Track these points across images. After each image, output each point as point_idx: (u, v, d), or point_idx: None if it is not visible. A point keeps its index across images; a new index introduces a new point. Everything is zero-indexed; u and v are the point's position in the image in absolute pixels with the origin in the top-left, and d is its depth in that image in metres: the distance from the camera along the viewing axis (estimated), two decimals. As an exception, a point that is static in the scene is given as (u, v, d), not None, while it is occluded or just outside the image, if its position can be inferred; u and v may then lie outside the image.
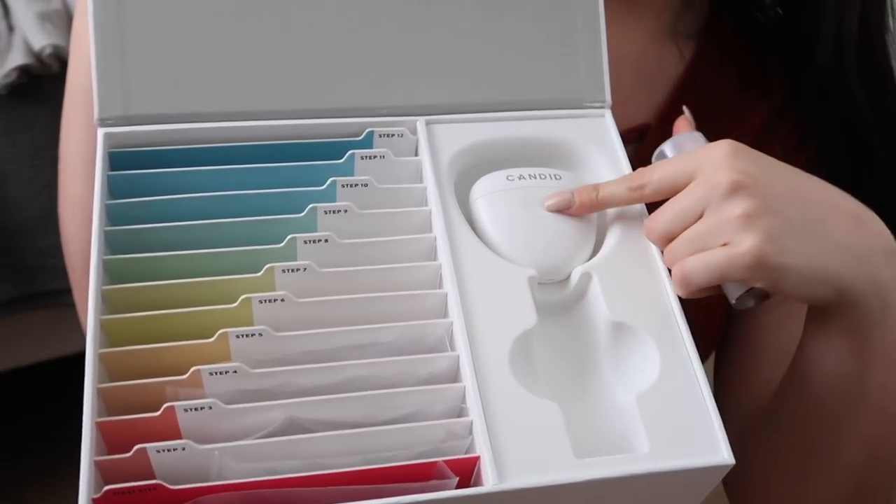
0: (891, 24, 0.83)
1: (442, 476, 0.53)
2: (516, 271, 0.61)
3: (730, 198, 0.59)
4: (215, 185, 0.62)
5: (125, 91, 0.63)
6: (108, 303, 0.57)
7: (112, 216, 0.61)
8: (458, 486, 0.53)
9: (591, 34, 0.69)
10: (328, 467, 0.52)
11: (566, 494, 0.54)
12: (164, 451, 0.51)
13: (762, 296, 0.62)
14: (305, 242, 0.60)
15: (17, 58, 1.45)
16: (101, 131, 0.63)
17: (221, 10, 0.64)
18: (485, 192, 0.65)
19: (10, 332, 1.60)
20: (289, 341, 0.57)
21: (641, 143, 0.82)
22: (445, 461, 0.53)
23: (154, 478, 0.51)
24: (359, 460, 0.53)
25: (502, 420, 0.55)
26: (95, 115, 0.63)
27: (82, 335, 0.57)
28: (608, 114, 0.70)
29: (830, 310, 0.64)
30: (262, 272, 0.58)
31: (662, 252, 0.63)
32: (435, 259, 0.62)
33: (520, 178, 0.65)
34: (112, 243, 0.59)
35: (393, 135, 0.66)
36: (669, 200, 0.62)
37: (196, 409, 0.53)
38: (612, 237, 0.65)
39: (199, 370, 0.54)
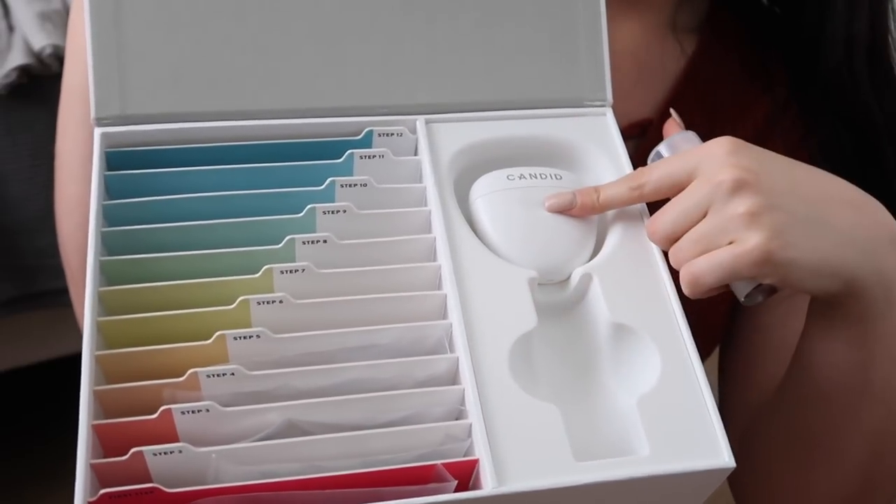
0: (892, 25, 0.83)
1: (441, 479, 0.53)
2: (516, 272, 0.61)
3: (733, 196, 0.59)
4: (213, 186, 0.61)
5: (122, 90, 0.62)
6: (105, 304, 0.57)
7: (109, 216, 0.60)
8: (457, 490, 0.53)
9: (592, 32, 0.69)
10: (326, 470, 0.52)
11: (566, 498, 0.54)
12: (160, 453, 0.51)
13: (770, 291, 0.62)
14: (304, 243, 0.59)
15: (17, 58, 1.45)
16: (97, 131, 0.62)
17: (219, 9, 0.64)
18: (485, 191, 0.64)
19: (10, 332, 1.60)
20: (287, 343, 0.56)
21: (643, 139, 0.82)
22: (444, 464, 0.53)
23: (151, 481, 0.51)
24: (357, 463, 0.53)
25: (502, 423, 0.55)
26: (92, 115, 0.62)
27: (81, 335, 0.56)
28: (609, 112, 0.69)
29: (835, 301, 0.64)
30: (260, 273, 0.58)
31: (666, 254, 0.62)
32: (434, 260, 0.61)
33: (520, 178, 0.64)
34: (109, 244, 0.59)
35: (392, 134, 0.65)
36: (671, 201, 0.62)
37: (193, 412, 0.52)
38: (613, 238, 0.64)
39: (196, 372, 0.54)
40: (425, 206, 0.63)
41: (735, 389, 0.85)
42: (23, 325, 1.57)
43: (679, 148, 0.66)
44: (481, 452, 0.53)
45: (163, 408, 0.52)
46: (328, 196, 0.62)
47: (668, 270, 0.62)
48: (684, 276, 0.60)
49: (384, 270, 0.60)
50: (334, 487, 0.51)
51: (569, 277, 0.63)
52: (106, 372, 0.55)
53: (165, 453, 0.51)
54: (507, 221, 0.63)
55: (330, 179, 0.62)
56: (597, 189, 0.64)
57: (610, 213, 0.66)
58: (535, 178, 0.65)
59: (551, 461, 0.54)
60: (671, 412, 0.57)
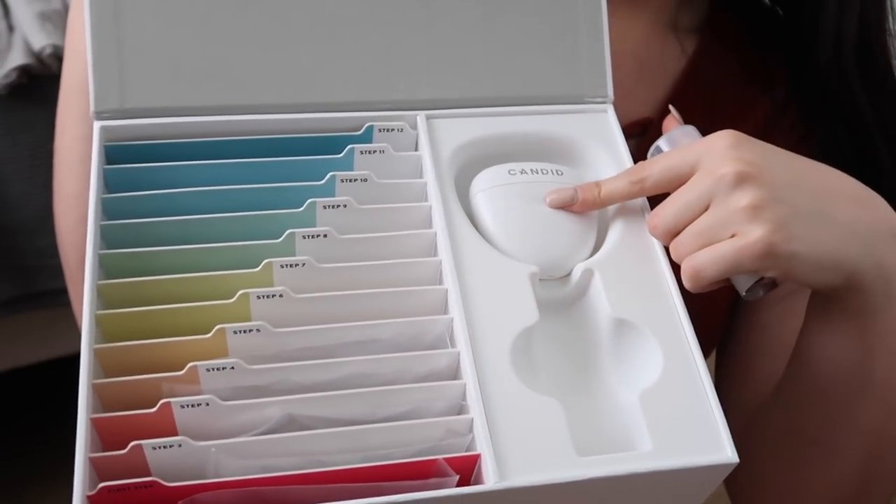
0: (891, 25, 0.83)
1: (442, 474, 0.52)
2: (517, 267, 0.61)
3: (735, 189, 0.58)
4: (213, 180, 0.61)
5: (121, 84, 0.62)
6: (104, 298, 0.57)
7: (108, 210, 0.60)
8: (459, 485, 0.53)
9: (593, 29, 0.69)
10: (327, 464, 0.52)
11: (568, 493, 0.54)
12: (160, 447, 0.51)
13: (771, 285, 0.62)
14: (304, 237, 0.59)
15: (17, 58, 1.45)
16: (97, 125, 0.62)
17: (219, 3, 0.63)
18: (485, 186, 0.64)
19: (10, 332, 1.60)
20: (287, 337, 0.56)
21: (643, 138, 0.82)
22: (446, 459, 0.52)
23: (150, 475, 0.51)
24: (358, 458, 0.53)
25: (503, 417, 0.54)
26: (91, 109, 0.62)
27: (80, 332, 0.56)
28: (610, 109, 0.69)
29: (835, 295, 0.63)
30: (260, 267, 0.57)
31: (667, 248, 0.62)
32: (435, 255, 0.61)
33: (521, 173, 0.64)
34: (108, 238, 0.59)
35: (393, 129, 0.65)
36: (672, 194, 0.61)
37: (193, 406, 0.52)
38: (614, 233, 0.64)
39: (195, 366, 0.53)
40: (426, 201, 0.63)
41: (732, 388, 0.85)
42: (23, 325, 1.57)
43: (679, 142, 0.66)
44: (483, 447, 0.53)
45: (162, 401, 0.52)
46: (328, 191, 0.62)
47: (669, 265, 0.62)
48: (686, 270, 0.60)
49: (384, 265, 0.60)
50: (335, 482, 0.51)
51: (570, 273, 0.63)
52: (105, 366, 0.54)
53: (165, 447, 0.51)
54: (508, 217, 0.63)
55: (330, 174, 0.62)
56: (598, 184, 0.64)
57: (611, 208, 0.66)
58: (536, 173, 0.64)
59: (553, 456, 0.54)
60: (673, 407, 0.57)
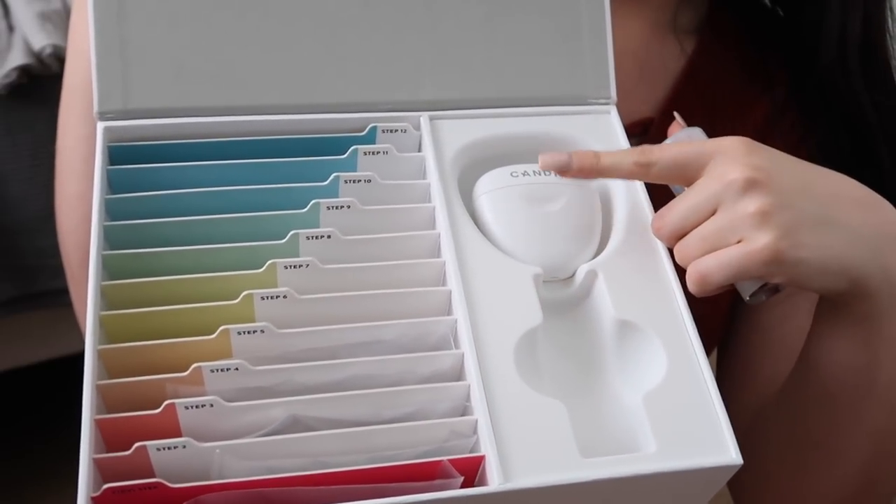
0: (890, 25, 0.83)
1: (446, 475, 0.52)
2: (521, 269, 0.61)
3: (744, 194, 0.58)
4: (216, 181, 0.61)
5: (125, 85, 0.62)
6: (108, 299, 0.56)
7: (111, 211, 0.60)
8: (463, 486, 0.53)
9: (596, 30, 0.69)
10: (331, 466, 0.52)
11: (572, 494, 0.54)
12: (164, 448, 0.50)
13: (775, 290, 0.62)
14: (308, 238, 0.59)
15: (17, 58, 1.45)
16: (100, 125, 0.62)
17: (222, 4, 0.63)
18: (489, 188, 0.64)
19: (10, 332, 1.60)
20: (291, 338, 0.56)
21: (644, 137, 0.82)
22: (450, 460, 0.52)
23: (154, 476, 0.50)
24: (362, 459, 0.53)
25: (507, 419, 0.54)
26: (95, 109, 0.62)
27: (82, 335, 0.56)
28: (613, 110, 0.69)
29: (841, 300, 0.63)
30: (263, 268, 0.57)
31: (671, 250, 0.62)
32: (439, 256, 0.61)
33: (524, 175, 0.64)
34: (111, 238, 0.59)
35: (396, 130, 0.65)
36: (679, 197, 0.61)
37: (197, 407, 0.52)
38: (618, 234, 0.64)
39: (199, 367, 0.53)
40: (429, 202, 0.63)
41: (733, 389, 0.85)
42: (23, 325, 1.57)
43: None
44: (487, 449, 0.53)
45: (166, 402, 0.52)
46: (332, 192, 0.62)
47: (673, 267, 0.62)
48: (692, 275, 0.60)
49: (388, 266, 0.60)
50: (339, 483, 0.51)
51: (573, 274, 0.63)
52: (108, 367, 0.54)
53: (169, 448, 0.50)
54: (512, 218, 0.63)
55: (334, 175, 0.62)
56: (597, 154, 0.63)
57: (616, 209, 0.65)
58: (539, 174, 0.64)
59: (557, 457, 0.54)
60: (677, 409, 0.57)
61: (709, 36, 0.86)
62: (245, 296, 0.56)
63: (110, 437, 0.52)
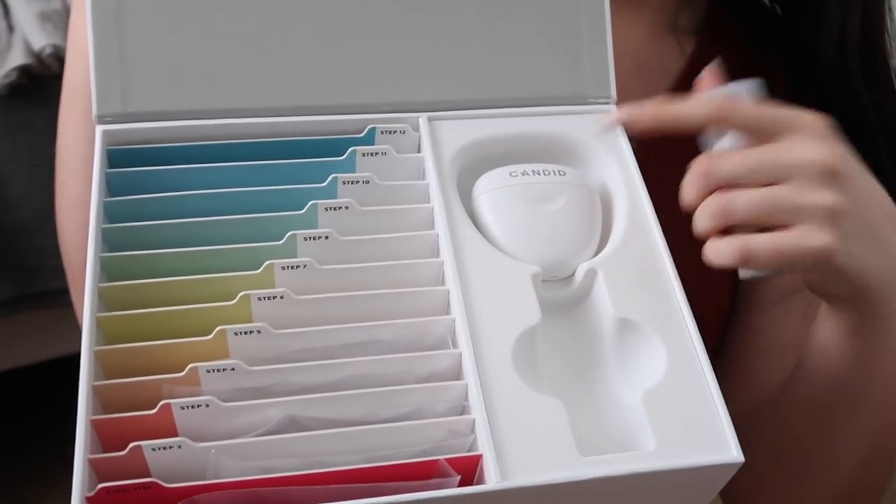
0: (889, 25, 0.83)
1: (444, 475, 0.52)
2: (520, 268, 0.61)
3: (822, 182, 0.55)
4: (215, 183, 0.61)
5: (124, 88, 0.62)
6: (105, 300, 0.56)
7: (110, 213, 0.60)
8: (461, 485, 0.53)
9: (596, 29, 0.69)
10: (327, 466, 0.52)
11: (570, 493, 0.54)
12: (159, 448, 0.50)
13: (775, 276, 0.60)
14: (305, 239, 0.59)
15: (17, 58, 1.46)
16: (99, 128, 0.62)
17: (221, 6, 0.63)
18: (487, 188, 0.64)
19: (10, 332, 1.60)
20: (288, 339, 0.56)
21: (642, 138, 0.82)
22: (447, 459, 0.52)
23: (150, 476, 0.50)
24: (359, 458, 0.53)
25: (505, 418, 0.54)
26: (94, 113, 0.62)
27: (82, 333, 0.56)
28: (614, 109, 0.69)
29: (847, 307, 0.63)
30: (261, 269, 0.57)
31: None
32: (437, 256, 0.61)
33: (523, 175, 0.64)
34: (110, 241, 0.59)
35: (395, 131, 0.65)
36: (750, 149, 0.58)
37: (193, 407, 0.52)
38: (618, 233, 0.64)
39: (196, 367, 0.53)
40: (428, 202, 0.63)
41: (724, 391, 0.85)
42: (23, 325, 1.57)
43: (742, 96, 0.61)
44: (484, 448, 0.53)
45: (162, 402, 0.52)
46: (330, 193, 0.62)
47: (673, 265, 0.62)
48: (739, 249, 0.56)
49: (386, 266, 0.60)
50: (335, 483, 0.51)
51: (573, 273, 0.63)
52: (105, 368, 0.54)
53: (164, 448, 0.50)
54: (511, 218, 0.63)
55: (332, 176, 0.62)
56: (669, 104, 0.59)
57: (615, 207, 0.65)
58: (539, 174, 0.64)
59: (555, 456, 0.53)
60: (677, 407, 0.56)
61: (708, 37, 0.86)
62: (242, 296, 0.56)
63: (107, 438, 0.52)
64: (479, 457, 0.53)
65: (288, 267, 0.58)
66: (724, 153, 0.58)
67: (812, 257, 0.56)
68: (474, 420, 0.54)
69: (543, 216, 0.63)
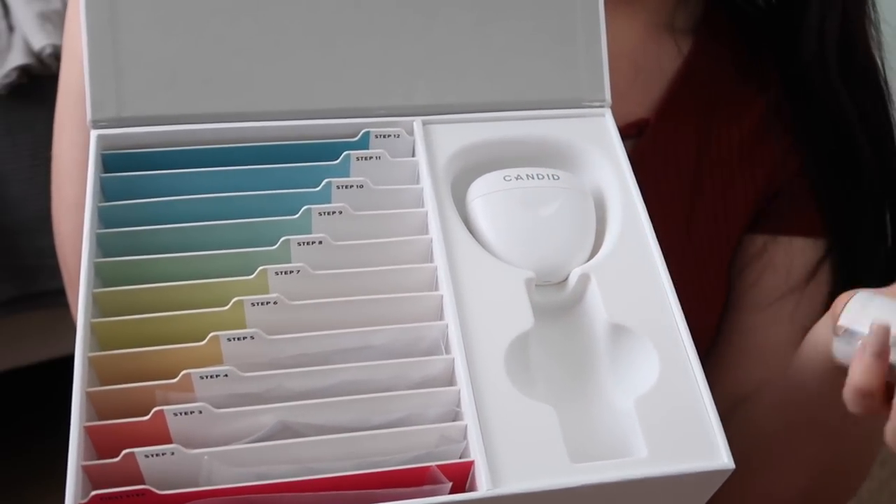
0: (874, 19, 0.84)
1: (435, 481, 0.52)
2: (513, 273, 0.61)
3: None
4: (209, 187, 0.61)
5: (118, 92, 0.62)
6: (99, 306, 0.57)
7: (105, 218, 0.60)
8: (452, 492, 0.53)
9: (590, 33, 0.69)
10: (320, 472, 0.52)
11: (561, 500, 0.54)
12: (152, 455, 0.50)
13: None
14: (299, 244, 0.59)
15: (17, 58, 1.46)
16: (93, 133, 0.62)
17: (215, 10, 0.63)
18: (481, 192, 0.64)
19: (10, 332, 1.60)
20: (281, 344, 0.56)
21: (639, 139, 0.82)
22: (439, 466, 0.52)
23: (143, 483, 0.51)
24: (351, 465, 0.53)
25: (497, 424, 0.54)
26: (88, 117, 0.62)
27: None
28: (608, 113, 0.69)
29: None
30: (254, 274, 0.57)
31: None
32: (431, 261, 0.61)
33: (517, 179, 0.64)
34: (104, 246, 0.59)
35: (389, 135, 0.65)
36: None
37: (186, 413, 0.52)
38: (611, 238, 0.64)
39: (189, 374, 0.53)
40: (422, 207, 0.63)
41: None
42: (23, 325, 1.58)
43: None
44: (476, 454, 0.53)
45: (155, 409, 0.52)
46: (324, 197, 0.62)
47: (666, 270, 0.62)
48: None
49: (380, 271, 0.60)
50: (328, 489, 0.51)
51: (567, 278, 0.63)
52: (99, 374, 0.54)
53: (157, 455, 0.50)
54: (505, 222, 0.63)
55: (326, 180, 0.62)
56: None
57: (609, 212, 0.65)
58: (533, 178, 0.64)
59: (547, 463, 0.53)
60: (669, 413, 0.56)
61: (705, 36, 0.86)
62: (235, 302, 0.56)
63: (100, 444, 0.52)
64: (471, 463, 0.53)
65: (281, 272, 0.58)
66: None
67: None
68: (466, 426, 0.54)
69: (537, 220, 0.63)
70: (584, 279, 0.62)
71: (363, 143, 0.65)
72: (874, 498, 1.94)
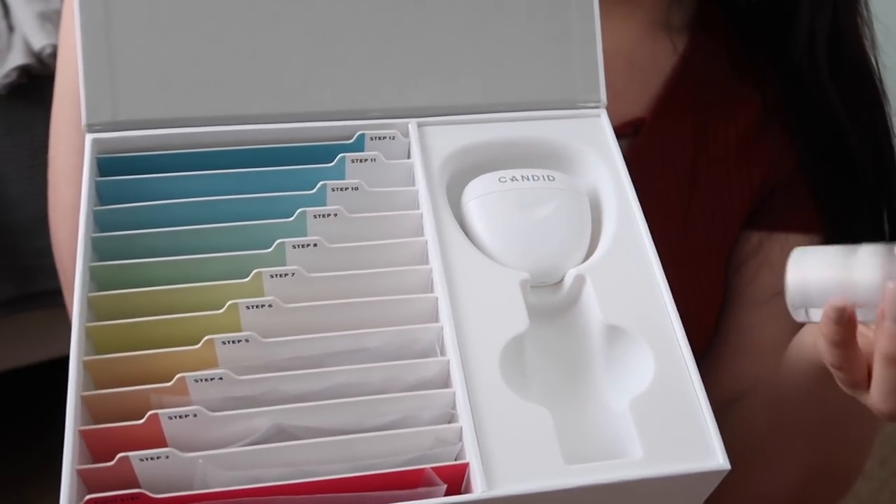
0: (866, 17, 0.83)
1: (430, 483, 0.52)
2: (508, 274, 0.61)
3: None
4: (204, 191, 0.61)
5: (113, 96, 0.62)
6: (94, 309, 0.57)
7: (100, 222, 0.60)
8: (447, 494, 0.53)
9: (585, 33, 0.69)
10: (315, 475, 0.52)
11: (556, 501, 0.54)
12: (147, 459, 0.51)
13: None
14: (294, 247, 0.59)
15: (17, 58, 1.46)
16: (88, 137, 0.62)
17: (210, 13, 0.63)
18: (477, 194, 0.64)
19: (10, 332, 1.60)
20: (276, 347, 0.56)
21: (635, 138, 0.82)
22: (434, 468, 0.52)
23: (138, 486, 0.51)
24: (346, 468, 0.53)
25: (492, 426, 0.54)
26: (83, 121, 0.62)
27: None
28: (604, 113, 0.69)
29: None
30: (249, 277, 0.57)
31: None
32: (426, 263, 0.61)
33: (512, 180, 0.64)
34: (100, 249, 0.59)
35: (384, 137, 0.65)
36: None
37: (181, 417, 0.52)
38: (607, 239, 0.64)
39: (183, 377, 0.53)
40: (417, 209, 0.63)
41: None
42: (22, 325, 1.58)
43: None
44: (471, 456, 0.53)
45: (149, 413, 0.52)
46: (319, 200, 0.62)
47: (662, 271, 0.62)
48: None
49: (375, 274, 0.60)
50: (323, 492, 0.51)
51: (562, 279, 0.63)
52: (94, 377, 0.55)
53: (152, 458, 0.51)
54: (500, 223, 0.63)
55: (321, 183, 0.62)
56: None
57: (605, 213, 0.66)
58: (528, 179, 0.64)
59: (542, 464, 0.54)
60: (664, 414, 0.56)
61: (699, 33, 0.86)
62: (230, 305, 0.56)
63: (95, 448, 0.52)
64: (466, 465, 0.53)
65: (276, 275, 0.58)
66: None
67: None
68: (461, 428, 0.54)
69: (532, 222, 0.63)
70: (580, 280, 0.62)
71: (358, 146, 0.65)
72: (874, 498, 1.94)
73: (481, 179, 0.65)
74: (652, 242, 0.63)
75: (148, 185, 0.61)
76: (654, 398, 0.57)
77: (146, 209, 0.60)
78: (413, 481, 0.52)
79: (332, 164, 0.63)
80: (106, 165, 0.62)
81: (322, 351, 0.57)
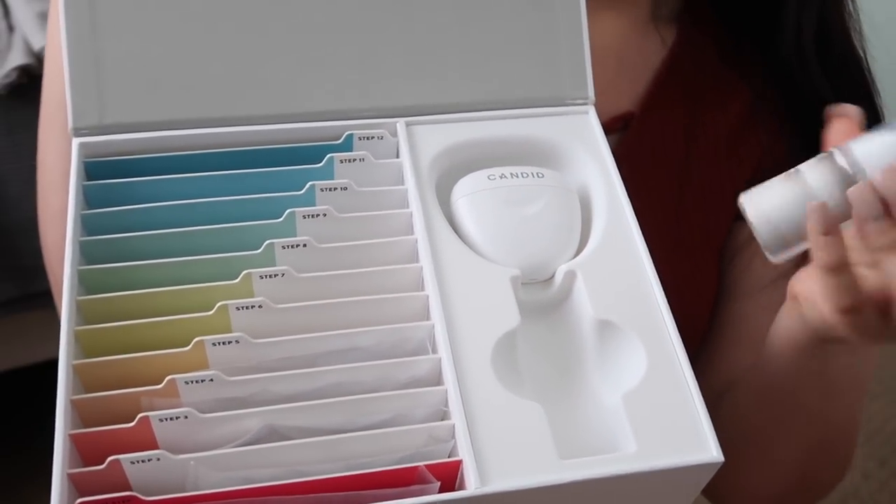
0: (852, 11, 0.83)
1: (423, 481, 0.53)
2: (499, 271, 0.61)
3: None
4: (193, 193, 0.61)
5: (100, 100, 0.62)
6: (83, 313, 0.57)
7: (88, 226, 0.60)
8: (441, 491, 0.53)
9: (572, 30, 0.69)
10: (307, 475, 0.52)
11: (550, 497, 0.54)
12: (138, 461, 0.51)
13: None
14: (283, 248, 0.59)
15: (17, 58, 1.46)
16: (75, 141, 0.62)
17: (196, 16, 0.63)
18: (466, 192, 0.64)
19: (10, 332, 1.60)
20: (266, 348, 0.56)
21: (624, 133, 0.82)
22: (427, 465, 0.53)
23: (130, 489, 0.51)
24: (339, 467, 0.53)
25: (485, 423, 0.55)
26: (70, 125, 0.62)
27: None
28: (592, 110, 0.69)
29: (850, 349, 0.65)
30: (239, 279, 0.58)
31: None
32: (416, 261, 0.61)
33: (501, 178, 0.64)
34: (88, 254, 0.59)
35: (373, 137, 0.65)
36: None
37: (171, 419, 0.52)
38: (597, 234, 0.64)
39: (174, 379, 0.54)
40: (406, 208, 0.63)
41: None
42: (22, 325, 1.58)
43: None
44: (464, 453, 0.53)
45: (140, 415, 0.52)
46: (308, 200, 0.62)
47: (652, 265, 0.62)
48: None
49: (365, 273, 0.60)
50: (315, 492, 0.51)
51: (553, 276, 0.63)
52: (84, 381, 0.55)
53: (143, 461, 0.51)
54: (490, 221, 0.63)
55: (310, 183, 0.62)
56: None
57: (594, 209, 0.66)
58: (517, 177, 0.64)
59: (535, 460, 0.54)
60: (657, 408, 0.57)
61: (687, 26, 0.86)
62: (220, 306, 0.56)
63: (86, 452, 0.52)
64: (459, 462, 0.53)
65: (266, 276, 0.58)
66: None
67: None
68: (454, 425, 0.54)
69: (522, 219, 0.63)
70: (570, 276, 0.62)
71: (346, 146, 0.65)
72: (874, 498, 1.94)
73: (470, 177, 0.65)
74: (642, 237, 0.63)
75: (136, 189, 0.61)
76: (646, 392, 0.57)
77: (134, 212, 0.60)
78: (406, 479, 0.52)
79: (321, 164, 0.63)
80: (93, 169, 0.62)
81: (313, 351, 0.57)
